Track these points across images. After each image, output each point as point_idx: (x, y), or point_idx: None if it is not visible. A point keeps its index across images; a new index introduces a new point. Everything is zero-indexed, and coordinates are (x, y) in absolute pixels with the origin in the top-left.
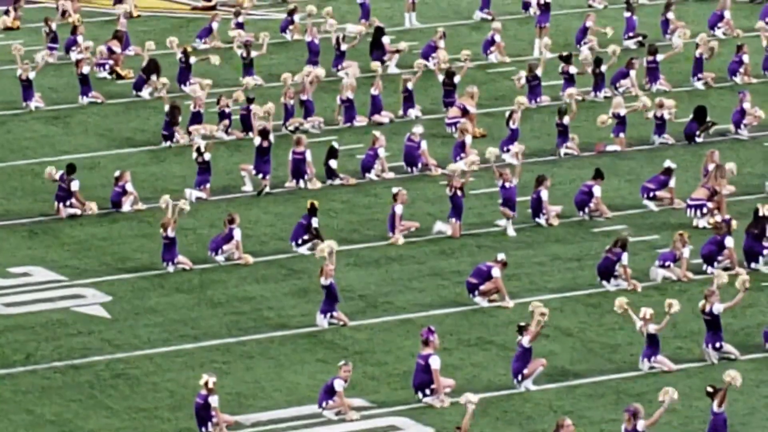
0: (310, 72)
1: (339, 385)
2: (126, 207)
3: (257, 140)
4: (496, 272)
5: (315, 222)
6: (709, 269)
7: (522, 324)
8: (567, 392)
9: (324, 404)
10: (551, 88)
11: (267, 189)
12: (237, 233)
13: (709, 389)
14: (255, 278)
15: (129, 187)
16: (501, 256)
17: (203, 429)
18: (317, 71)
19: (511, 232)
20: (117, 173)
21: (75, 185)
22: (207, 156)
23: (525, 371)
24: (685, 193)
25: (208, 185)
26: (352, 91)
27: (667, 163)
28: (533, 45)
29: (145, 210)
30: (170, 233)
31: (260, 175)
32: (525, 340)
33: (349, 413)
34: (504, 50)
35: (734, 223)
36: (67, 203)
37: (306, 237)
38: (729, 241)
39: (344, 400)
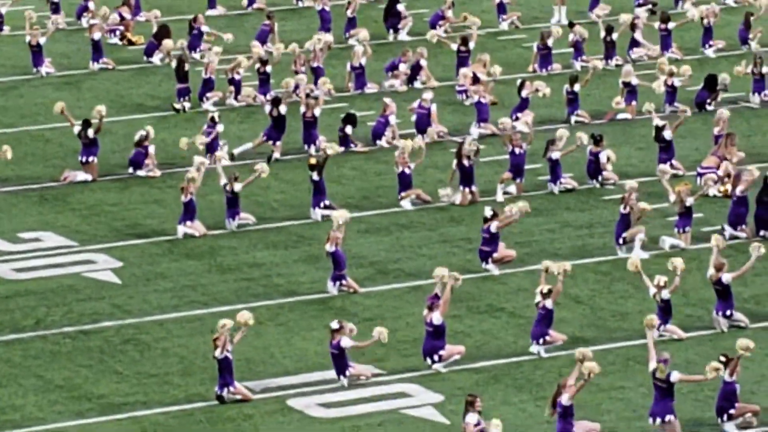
0: (321, 39)
1: (347, 342)
2: (142, 171)
3: (267, 108)
4: (494, 227)
5: (315, 176)
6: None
7: (545, 291)
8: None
9: (347, 372)
10: (561, 56)
11: (276, 155)
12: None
13: (722, 358)
14: (265, 244)
15: (152, 149)
16: (488, 211)
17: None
18: (327, 38)
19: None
20: (144, 133)
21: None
22: (220, 128)
23: (547, 338)
24: (696, 161)
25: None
26: (367, 58)
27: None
28: (551, 12)
29: (156, 176)
30: (236, 188)
31: (270, 142)
32: (548, 302)
33: (362, 370)
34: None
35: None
36: (89, 160)
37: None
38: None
39: (359, 345)
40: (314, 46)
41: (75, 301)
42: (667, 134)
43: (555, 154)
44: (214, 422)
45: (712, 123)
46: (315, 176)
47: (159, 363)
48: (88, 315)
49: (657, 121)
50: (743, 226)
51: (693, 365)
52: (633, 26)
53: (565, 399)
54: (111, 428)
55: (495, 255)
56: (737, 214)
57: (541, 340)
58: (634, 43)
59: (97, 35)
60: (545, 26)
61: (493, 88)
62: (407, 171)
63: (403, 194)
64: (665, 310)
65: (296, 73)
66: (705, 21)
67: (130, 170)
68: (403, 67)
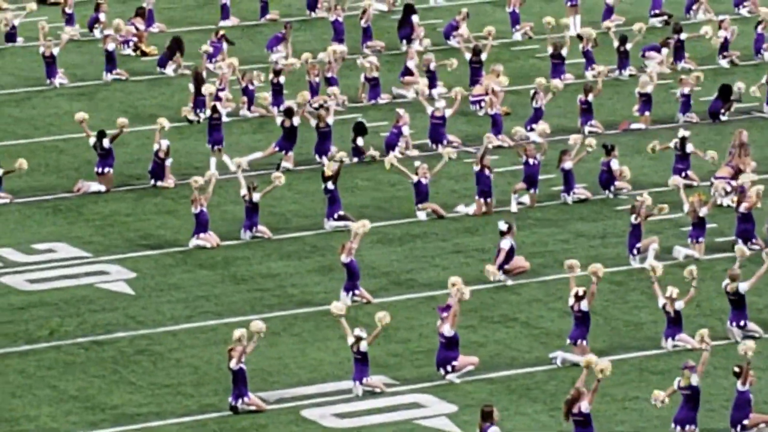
0: (335, 50)
1: (365, 345)
2: (160, 182)
3: (279, 119)
4: (504, 244)
5: (330, 186)
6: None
7: (580, 293)
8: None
9: (364, 380)
10: (575, 66)
11: (288, 165)
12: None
13: (736, 369)
14: (279, 255)
15: (168, 162)
16: (502, 225)
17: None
18: (340, 49)
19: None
20: (166, 146)
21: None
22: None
23: (584, 343)
24: (710, 171)
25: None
26: (377, 70)
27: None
28: (567, 24)
29: (169, 187)
30: (255, 198)
31: (282, 151)
32: (584, 305)
33: (375, 381)
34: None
35: (758, 201)
36: (105, 170)
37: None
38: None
39: (371, 339)
40: (330, 57)
41: (88, 311)
42: (689, 147)
43: (568, 165)
44: None
45: (725, 134)
46: (330, 186)
47: (172, 373)
48: (101, 326)
49: (682, 132)
50: (754, 240)
51: (706, 375)
52: (665, 43)
53: (584, 406)
54: None
55: (506, 266)
56: (744, 230)
57: (578, 341)
58: (653, 48)
59: (110, 46)
60: (557, 36)
61: (503, 98)
62: (423, 181)
63: (420, 206)
64: (675, 321)
65: (310, 83)
66: (722, 33)
67: (151, 181)
68: (411, 64)
